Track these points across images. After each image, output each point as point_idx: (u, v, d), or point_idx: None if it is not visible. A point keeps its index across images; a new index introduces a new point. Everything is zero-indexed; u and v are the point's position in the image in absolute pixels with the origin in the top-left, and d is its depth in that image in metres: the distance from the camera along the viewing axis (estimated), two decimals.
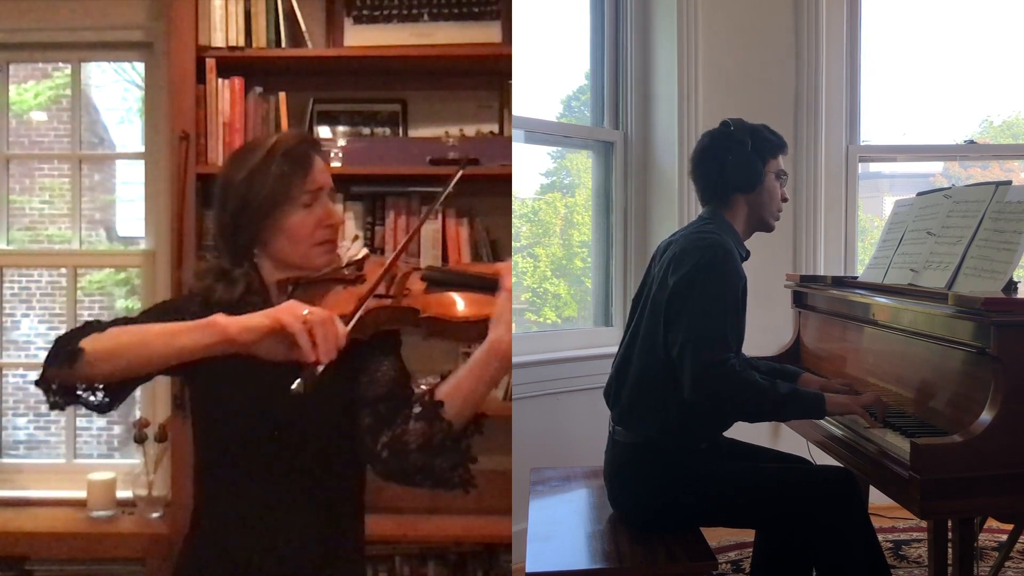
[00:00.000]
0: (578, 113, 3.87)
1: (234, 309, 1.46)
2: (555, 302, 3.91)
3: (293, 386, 1.31)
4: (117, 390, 1.46)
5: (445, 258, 2.73)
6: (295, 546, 1.51)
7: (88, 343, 1.37)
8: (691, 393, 1.99)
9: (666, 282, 2.11)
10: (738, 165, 2.22)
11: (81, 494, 2.83)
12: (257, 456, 1.51)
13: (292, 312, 1.32)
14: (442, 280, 1.51)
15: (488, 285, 1.45)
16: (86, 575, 2.74)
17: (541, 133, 3.52)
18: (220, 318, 1.34)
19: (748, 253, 2.26)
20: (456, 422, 1.39)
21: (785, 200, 2.32)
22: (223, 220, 1.56)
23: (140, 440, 2.79)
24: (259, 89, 2.72)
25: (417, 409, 1.40)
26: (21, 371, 3.35)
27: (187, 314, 1.50)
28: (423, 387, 1.50)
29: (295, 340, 1.30)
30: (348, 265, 1.57)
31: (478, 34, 2.77)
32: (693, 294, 2.04)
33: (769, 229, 2.31)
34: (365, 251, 1.68)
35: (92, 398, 1.44)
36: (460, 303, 1.46)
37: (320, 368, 1.32)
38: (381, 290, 1.48)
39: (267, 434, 1.50)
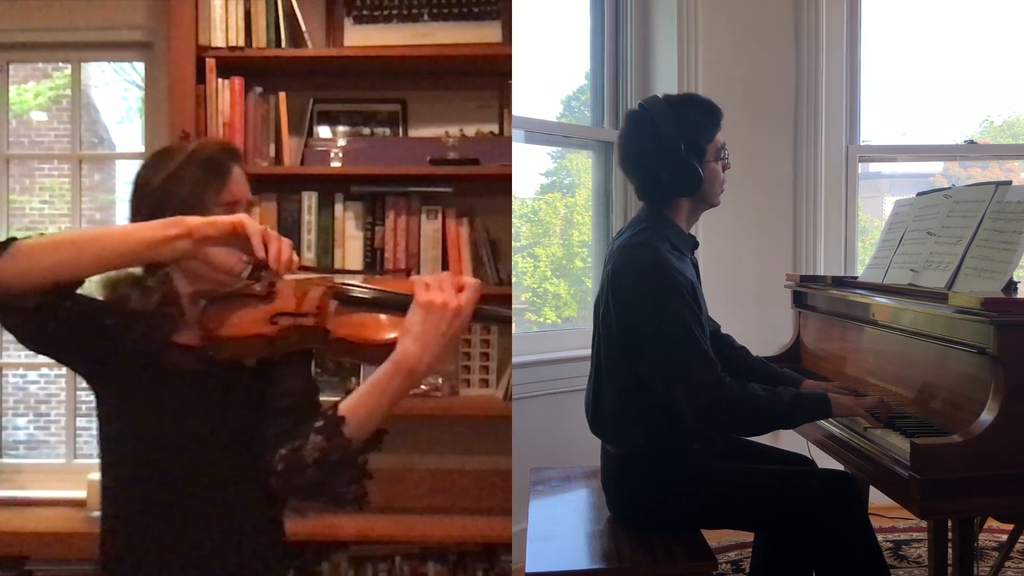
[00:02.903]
0: (578, 113, 3.87)
1: (149, 319, 1.42)
2: (555, 302, 3.91)
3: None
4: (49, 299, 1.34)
5: (445, 258, 2.73)
6: (202, 554, 1.47)
7: (26, 240, 1.32)
8: (695, 423, 1.96)
9: (609, 302, 2.07)
10: (674, 173, 2.04)
11: (81, 494, 2.82)
12: (164, 468, 1.46)
13: (251, 219, 1.39)
14: (354, 300, 1.46)
15: (403, 304, 1.40)
16: (86, 575, 2.74)
17: (541, 133, 3.52)
18: (184, 217, 1.36)
19: (696, 243, 2.18)
20: (356, 439, 1.36)
21: (727, 168, 2.15)
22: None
23: None
24: (259, 89, 2.72)
25: (319, 423, 1.36)
26: (21, 371, 3.35)
27: (102, 322, 1.42)
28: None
29: (251, 242, 1.36)
30: (261, 279, 1.50)
31: (478, 34, 2.77)
32: (648, 327, 1.97)
33: (715, 206, 2.19)
34: None
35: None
36: (372, 324, 1.42)
37: (273, 277, 1.40)
38: (292, 307, 1.44)
39: (175, 445, 1.46)
